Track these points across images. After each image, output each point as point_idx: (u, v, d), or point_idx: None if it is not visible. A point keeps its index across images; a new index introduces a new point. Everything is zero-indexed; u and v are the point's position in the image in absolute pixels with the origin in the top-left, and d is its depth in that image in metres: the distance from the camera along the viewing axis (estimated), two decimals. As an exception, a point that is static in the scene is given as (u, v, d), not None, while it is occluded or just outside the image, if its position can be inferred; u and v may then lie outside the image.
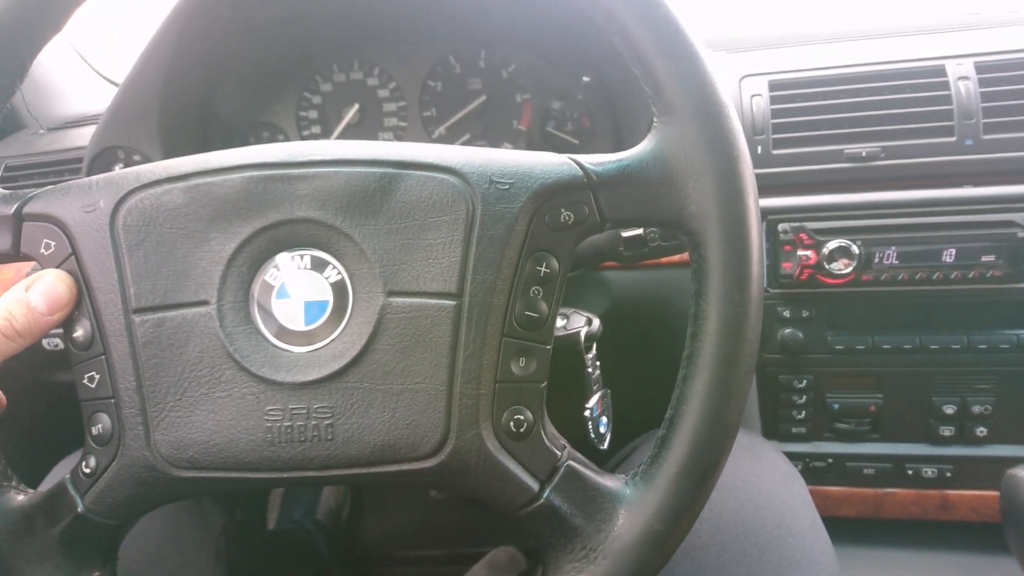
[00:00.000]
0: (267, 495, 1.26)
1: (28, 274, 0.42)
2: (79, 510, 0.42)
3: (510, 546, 1.16)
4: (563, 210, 0.41)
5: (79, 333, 0.42)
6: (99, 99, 1.13)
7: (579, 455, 0.43)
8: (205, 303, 0.41)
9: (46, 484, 0.44)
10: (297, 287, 0.41)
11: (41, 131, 1.01)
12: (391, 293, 0.40)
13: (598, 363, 0.65)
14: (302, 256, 0.41)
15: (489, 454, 0.40)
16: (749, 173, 0.40)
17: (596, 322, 0.65)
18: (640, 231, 0.57)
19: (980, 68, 0.78)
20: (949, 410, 0.84)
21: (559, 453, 0.42)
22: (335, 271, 0.41)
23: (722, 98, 0.40)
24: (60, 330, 0.42)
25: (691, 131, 0.40)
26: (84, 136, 0.89)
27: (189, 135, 0.81)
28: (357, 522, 1.34)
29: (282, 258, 0.41)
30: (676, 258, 0.80)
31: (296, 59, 0.91)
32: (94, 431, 0.41)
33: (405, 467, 0.40)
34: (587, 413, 0.62)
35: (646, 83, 0.41)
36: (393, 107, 0.93)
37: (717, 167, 0.39)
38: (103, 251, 0.41)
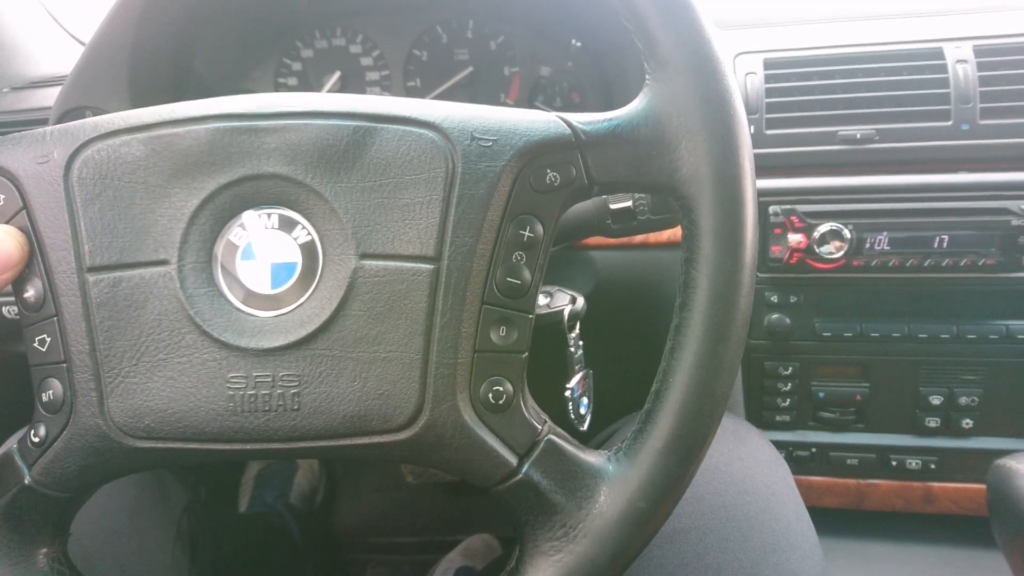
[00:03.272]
0: (236, 474, 1.24)
1: None
2: (26, 481, 0.39)
3: (485, 534, 1.15)
4: (549, 171, 0.39)
5: (30, 293, 0.39)
6: (69, 60, 1.09)
7: (560, 430, 0.41)
8: (165, 263, 0.38)
9: None
10: (263, 248, 0.39)
11: (4, 90, 0.97)
12: (364, 255, 0.38)
13: (581, 343, 0.63)
14: (269, 215, 0.39)
15: (466, 426, 0.38)
16: (744, 134, 0.38)
17: (580, 301, 0.63)
18: (629, 203, 0.55)
19: (979, 52, 0.76)
20: (935, 400, 0.83)
21: (539, 427, 0.40)
22: (304, 231, 0.39)
23: (717, 54, 0.38)
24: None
25: (684, 88, 0.38)
26: (50, 96, 0.85)
27: (162, 97, 0.77)
28: (331, 507, 1.33)
29: (248, 216, 0.39)
30: (664, 238, 0.78)
31: (277, 24, 0.88)
32: (44, 398, 0.39)
33: (376, 440, 0.38)
34: (568, 393, 0.60)
35: (638, 37, 0.39)
36: (376, 76, 0.90)
37: (711, 127, 0.37)
38: (56, 205, 0.39)
